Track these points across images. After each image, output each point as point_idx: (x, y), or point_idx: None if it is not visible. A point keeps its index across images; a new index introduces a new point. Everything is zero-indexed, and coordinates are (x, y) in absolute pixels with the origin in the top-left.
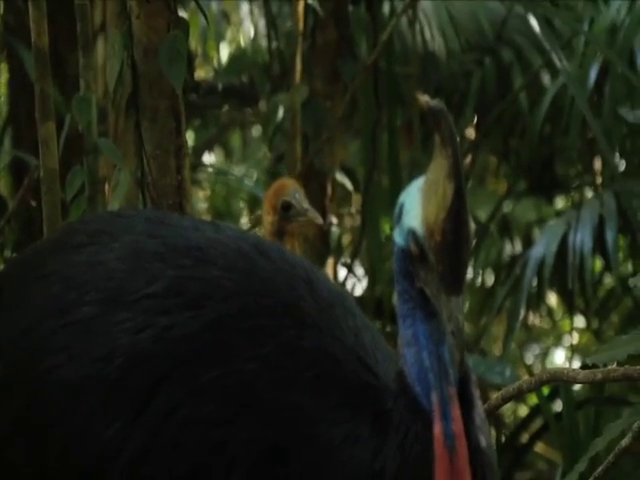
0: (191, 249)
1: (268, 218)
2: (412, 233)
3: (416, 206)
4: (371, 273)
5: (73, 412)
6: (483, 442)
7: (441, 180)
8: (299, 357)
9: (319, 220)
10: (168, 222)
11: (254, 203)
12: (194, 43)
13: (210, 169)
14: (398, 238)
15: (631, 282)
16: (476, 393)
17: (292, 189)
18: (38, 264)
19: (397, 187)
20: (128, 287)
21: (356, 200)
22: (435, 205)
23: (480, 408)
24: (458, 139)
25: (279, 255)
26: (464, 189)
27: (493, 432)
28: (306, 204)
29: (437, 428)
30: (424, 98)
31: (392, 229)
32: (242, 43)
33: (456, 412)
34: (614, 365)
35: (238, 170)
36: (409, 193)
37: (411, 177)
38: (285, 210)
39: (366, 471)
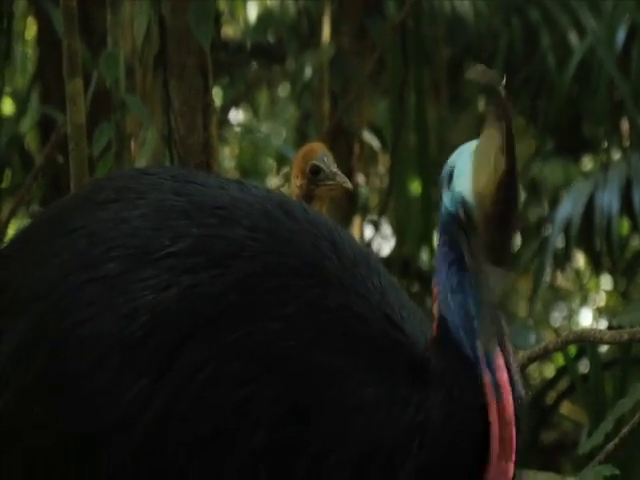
0: (216, 208)
1: (297, 182)
2: (462, 200)
3: (467, 171)
4: (398, 232)
5: (97, 369)
6: (522, 391)
7: (493, 152)
8: (324, 316)
9: (348, 184)
10: (194, 180)
11: (282, 161)
12: (222, 1)
13: (238, 127)
14: (447, 202)
15: None
16: (509, 344)
17: (321, 153)
18: (64, 219)
19: (425, 147)
20: (153, 244)
21: (383, 159)
22: (486, 176)
23: (514, 356)
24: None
25: (303, 215)
26: (516, 165)
27: None
28: (334, 167)
29: (486, 377)
30: (479, 70)
31: (424, 188)
32: (269, 1)
33: (500, 361)
34: None
35: (266, 128)
36: (461, 154)
37: (438, 137)
38: (314, 174)
39: (406, 428)
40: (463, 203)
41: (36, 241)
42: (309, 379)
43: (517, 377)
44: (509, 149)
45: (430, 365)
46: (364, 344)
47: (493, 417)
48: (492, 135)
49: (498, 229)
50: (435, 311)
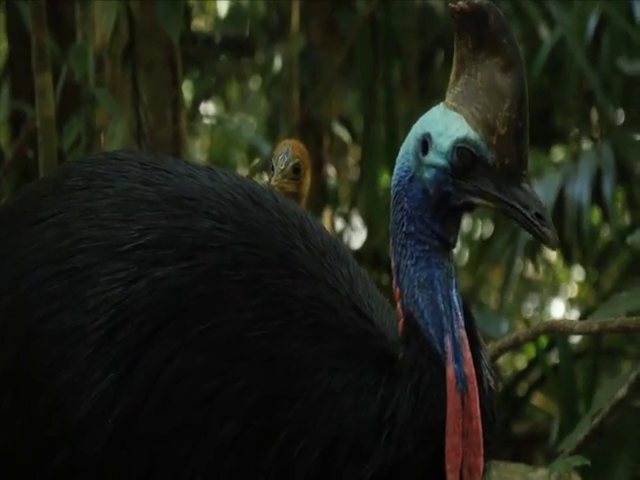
0: (185, 198)
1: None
2: (461, 143)
3: (453, 121)
4: (369, 225)
5: (64, 363)
6: (492, 383)
7: (496, 74)
8: (294, 306)
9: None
10: (163, 168)
11: (253, 154)
12: None
13: (208, 119)
14: (435, 160)
15: (629, 240)
16: (480, 335)
17: (282, 150)
18: (32, 207)
19: (394, 139)
20: (121, 237)
21: (354, 152)
22: (495, 100)
23: (485, 349)
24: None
25: (273, 204)
26: (524, 75)
27: None
28: (282, 166)
29: (450, 371)
30: (461, 3)
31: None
32: None
33: (467, 354)
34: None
35: (237, 121)
36: (430, 122)
37: (408, 129)
38: (296, 172)
39: (373, 418)
40: (463, 144)
41: (5, 228)
42: (278, 368)
43: (487, 370)
44: (518, 60)
45: (398, 359)
46: (333, 333)
47: (452, 411)
48: (489, 62)
49: (517, 144)
50: (400, 308)
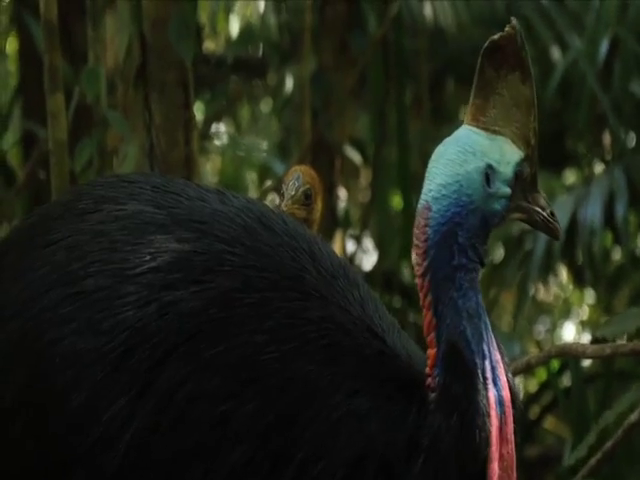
0: (195, 222)
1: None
2: (518, 167)
3: (505, 147)
4: (380, 247)
5: (76, 386)
6: (520, 403)
7: (520, 87)
8: (306, 328)
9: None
10: (173, 191)
11: (264, 175)
12: (203, 15)
13: (220, 139)
14: (502, 189)
15: None
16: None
17: (293, 176)
18: (43, 230)
19: (405, 161)
20: (132, 260)
21: (365, 174)
22: (524, 114)
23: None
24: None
25: (283, 227)
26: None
27: None
28: (293, 192)
29: (491, 395)
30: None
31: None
32: (251, 15)
33: (503, 378)
34: (623, 339)
35: (248, 142)
36: (484, 152)
37: (420, 151)
38: (307, 198)
39: (405, 442)
40: (519, 168)
41: (16, 251)
42: (293, 389)
43: (516, 392)
44: (531, 76)
45: (433, 385)
46: (348, 354)
47: (495, 438)
48: (515, 86)
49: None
50: (434, 338)
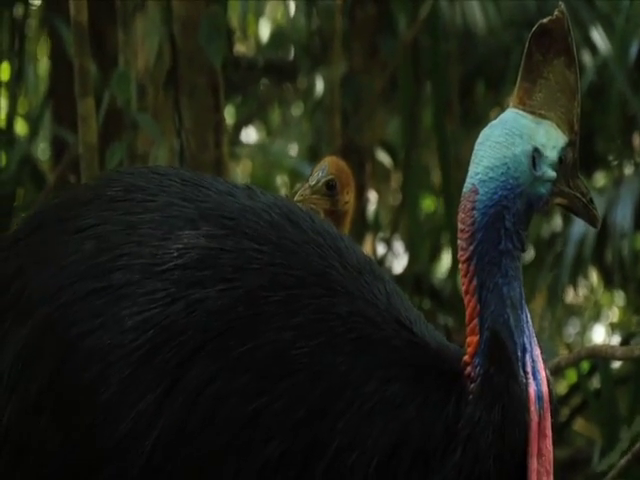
0: (223, 218)
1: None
2: (563, 151)
3: (550, 131)
4: (410, 250)
5: (103, 382)
6: (555, 400)
7: (565, 72)
8: (334, 323)
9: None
10: (202, 184)
11: (295, 178)
12: (234, 19)
13: (250, 144)
14: (548, 173)
15: None
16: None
17: (321, 166)
18: (73, 215)
19: (446, 164)
20: (160, 255)
21: (395, 177)
22: (569, 99)
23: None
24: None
25: (309, 224)
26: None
27: None
28: (314, 182)
29: (531, 389)
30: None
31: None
32: (281, 19)
33: (543, 373)
34: None
35: (278, 146)
36: (531, 135)
37: (450, 153)
38: (330, 189)
39: (443, 431)
40: (564, 153)
41: (45, 232)
42: (323, 382)
43: (553, 388)
44: (576, 61)
45: (474, 375)
46: (379, 345)
47: (534, 433)
48: (560, 71)
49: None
50: (476, 326)
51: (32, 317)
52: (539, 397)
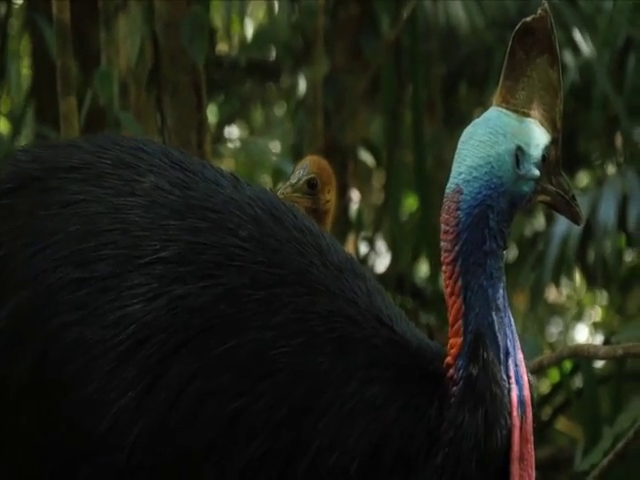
0: (208, 210)
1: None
2: (546, 149)
3: (534, 129)
4: (393, 249)
5: (85, 377)
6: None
7: (548, 70)
8: (315, 322)
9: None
10: (191, 170)
11: (278, 177)
12: (216, 18)
13: (233, 142)
14: (532, 171)
15: None
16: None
17: (302, 165)
18: (58, 184)
19: (422, 163)
20: (143, 247)
21: (378, 176)
22: (552, 97)
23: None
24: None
25: (292, 221)
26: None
27: None
28: (295, 180)
29: (514, 394)
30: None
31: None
32: (264, 18)
33: (526, 377)
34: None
35: (261, 144)
36: (514, 134)
37: (433, 154)
38: (311, 187)
39: (425, 434)
40: (547, 151)
41: (27, 200)
42: (305, 382)
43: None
44: (558, 59)
45: (457, 377)
46: (360, 344)
47: (515, 436)
48: (543, 69)
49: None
50: (460, 327)
51: (12, 298)
52: (521, 401)
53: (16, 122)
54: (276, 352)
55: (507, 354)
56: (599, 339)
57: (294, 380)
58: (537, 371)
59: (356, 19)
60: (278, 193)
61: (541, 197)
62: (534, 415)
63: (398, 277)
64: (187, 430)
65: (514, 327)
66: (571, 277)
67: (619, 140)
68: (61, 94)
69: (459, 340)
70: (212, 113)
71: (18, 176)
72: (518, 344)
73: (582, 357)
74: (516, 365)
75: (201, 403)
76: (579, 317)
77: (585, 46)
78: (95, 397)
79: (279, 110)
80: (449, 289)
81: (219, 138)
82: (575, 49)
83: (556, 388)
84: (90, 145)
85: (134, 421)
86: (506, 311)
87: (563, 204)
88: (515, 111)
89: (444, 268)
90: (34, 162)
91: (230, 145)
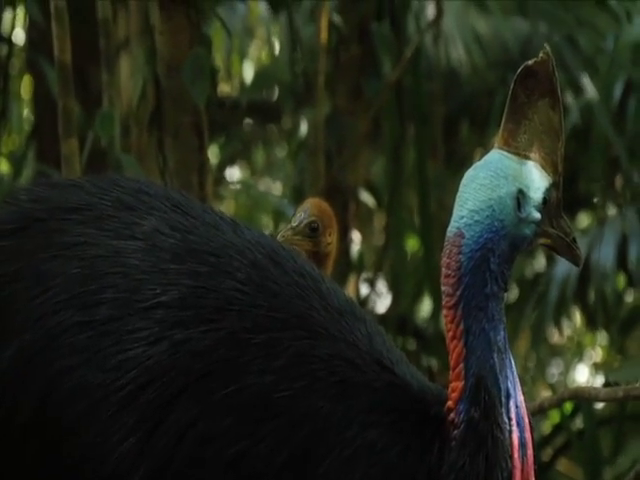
0: (207, 254)
1: (330, 239)
2: (547, 192)
3: (535, 172)
4: (394, 290)
5: (86, 422)
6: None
7: (549, 113)
8: (316, 366)
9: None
10: (191, 213)
11: (279, 218)
12: (218, 58)
13: (235, 184)
14: (533, 215)
15: None
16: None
17: (303, 208)
18: (59, 226)
19: (426, 205)
20: (144, 291)
21: (379, 217)
22: (553, 140)
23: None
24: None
25: (292, 265)
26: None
27: None
28: (295, 223)
29: (515, 436)
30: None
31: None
32: (265, 59)
33: (527, 419)
34: (638, 383)
35: (262, 185)
36: (515, 177)
37: (435, 195)
38: (313, 230)
39: (425, 477)
40: (547, 194)
41: (30, 240)
42: (305, 426)
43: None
44: (560, 102)
45: (457, 421)
46: (360, 388)
47: (516, 479)
48: (545, 112)
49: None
50: (461, 371)
51: (15, 340)
52: (522, 443)
53: (17, 163)
54: (277, 396)
55: (508, 396)
56: (600, 380)
57: (295, 424)
58: (538, 412)
59: (357, 60)
60: (279, 236)
61: (542, 240)
62: (535, 457)
63: (399, 318)
64: (188, 474)
65: (515, 368)
66: (571, 318)
67: (619, 182)
68: (63, 135)
69: (460, 384)
70: (213, 154)
71: (20, 217)
72: (519, 385)
73: (583, 399)
74: (517, 407)
75: (202, 447)
76: (580, 358)
77: (586, 88)
78: (97, 441)
79: (280, 151)
80: (451, 333)
81: (220, 179)
82: (576, 91)
83: (557, 429)
84: (91, 186)
85: (136, 466)
86: (507, 352)
87: (564, 247)
88: (516, 154)
89: (445, 312)
90: (35, 202)
91: (231, 187)
